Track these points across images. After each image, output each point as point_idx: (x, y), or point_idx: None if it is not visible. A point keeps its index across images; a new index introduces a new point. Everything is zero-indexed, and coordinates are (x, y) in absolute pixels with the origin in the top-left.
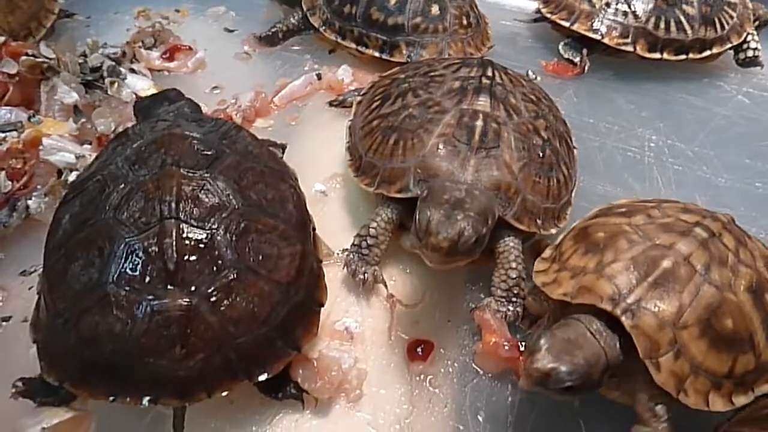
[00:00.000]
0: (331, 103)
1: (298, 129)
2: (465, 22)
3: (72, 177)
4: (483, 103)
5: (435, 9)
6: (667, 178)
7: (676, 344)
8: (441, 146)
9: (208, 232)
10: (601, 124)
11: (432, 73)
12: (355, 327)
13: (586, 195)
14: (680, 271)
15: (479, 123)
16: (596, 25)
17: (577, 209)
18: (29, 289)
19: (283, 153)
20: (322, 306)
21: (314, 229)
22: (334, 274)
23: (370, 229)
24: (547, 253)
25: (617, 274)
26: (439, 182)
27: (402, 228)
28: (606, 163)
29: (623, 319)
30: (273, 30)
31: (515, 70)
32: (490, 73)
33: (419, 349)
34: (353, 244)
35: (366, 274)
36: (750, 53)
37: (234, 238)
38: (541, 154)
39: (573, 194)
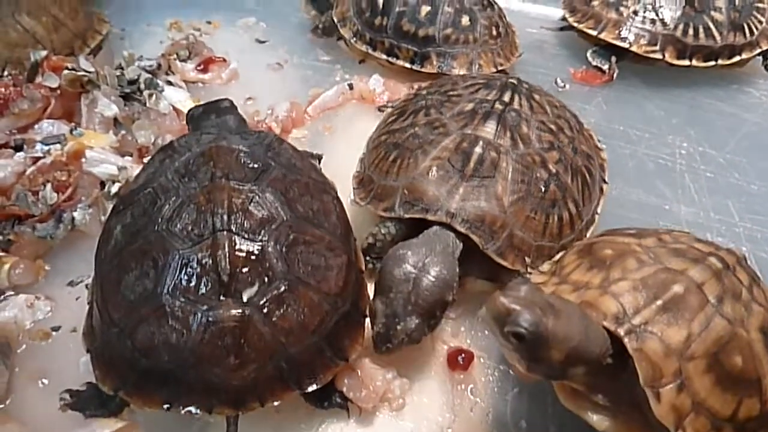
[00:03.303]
0: (380, 109)
1: (331, 139)
2: (494, 32)
3: (115, 188)
4: (488, 129)
5: (465, 20)
6: (699, 186)
7: (681, 375)
8: (434, 170)
9: (260, 243)
10: (631, 132)
11: (451, 92)
12: None
13: (619, 202)
14: (691, 299)
15: (477, 150)
16: (624, 33)
17: (611, 216)
18: (76, 299)
19: (319, 163)
20: (367, 316)
21: (355, 240)
22: (371, 285)
23: (377, 240)
24: (545, 267)
25: (624, 292)
26: (389, 266)
27: None
28: (638, 170)
29: (626, 340)
30: (316, 23)
31: (543, 77)
32: (507, 98)
33: (460, 359)
34: (363, 249)
35: None
36: None
37: (284, 250)
38: (543, 189)
39: (588, 233)
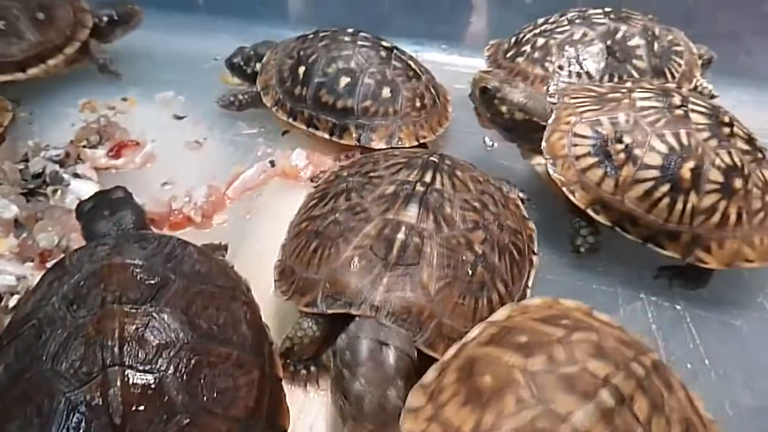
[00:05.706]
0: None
1: (255, 221)
2: (418, 104)
3: (13, 301)
4: (410, 213)
5: (386, 92)
6: (633, 243)
7: None
8: (355, 260)
9: (156, 375)
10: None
11: (372, 174)
12: None
13: (551, 267)
14: None
15: (400, 236)
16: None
17: (544, 283)
18: None
19: (226, 252)
20: (285, 431)
21: (272, 344)
22: (295, 387)
23: (295, 344)
24: (429, 375)
25: None
26: (356, 331)
27: (328, 340)
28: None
29: None
30: (231, 99)
31: (472, 136)
32: (428, 178)
33: None
34: (282, 353)
35: (303, 372)
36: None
37: (185, 378)
38: (470, 272)
39: None
